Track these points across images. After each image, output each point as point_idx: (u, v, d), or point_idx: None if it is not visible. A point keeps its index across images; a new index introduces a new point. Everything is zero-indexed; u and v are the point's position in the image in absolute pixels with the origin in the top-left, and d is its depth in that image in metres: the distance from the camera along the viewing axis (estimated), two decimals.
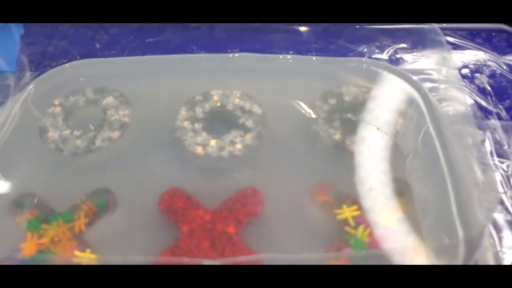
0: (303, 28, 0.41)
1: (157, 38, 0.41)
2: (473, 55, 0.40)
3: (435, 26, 0.39)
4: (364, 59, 0.35)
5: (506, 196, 0.31)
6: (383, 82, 0.34)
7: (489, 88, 0.38)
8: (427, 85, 0.34)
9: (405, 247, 0.26)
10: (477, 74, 0.39)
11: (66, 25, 0.42)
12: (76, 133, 0.32)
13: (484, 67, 0.39)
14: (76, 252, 0.26)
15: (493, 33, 0.42)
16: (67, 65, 0.36)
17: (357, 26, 0.41)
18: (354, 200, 0.28)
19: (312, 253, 0.25)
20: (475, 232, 0.26)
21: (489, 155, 0.33)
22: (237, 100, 0.33)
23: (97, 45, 0.41)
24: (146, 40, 0.41)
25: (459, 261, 0.24)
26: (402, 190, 0.29)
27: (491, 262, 0.26)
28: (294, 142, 0.32)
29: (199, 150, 0.31)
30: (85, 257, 0.26)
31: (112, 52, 0.40)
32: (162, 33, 0.42)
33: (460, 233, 0.26)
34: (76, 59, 0.38)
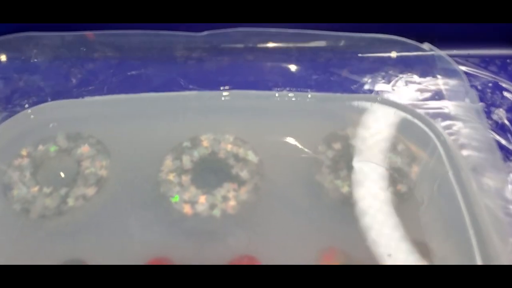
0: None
1: (139, 71, 0.37)
2: (488, 86, 0.37)
3: (442, 53, 0.35)
4: (373, 95, 0.32)
5: None
6: (394, 123, 0.31)
7: (508, 123, 0.34)
8: (444, 123, 0.31)
9: None
10: (494, 108, 0.35)
11: (39, 58, 0.38)
12: (46, 190, 0.28)
13: (502, 100, 0.36)
14: None
15: (508, 60, 0.39)
16: (36, 107, 0.32)
17: (359, 55, 0.37)
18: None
19: None
20: None
21: None
22: (229, 146, 0.30)
23: (73, 80, 0.37)
24: (128, 73, 0.37)
25: None
26: (421, 253, 0.25)
27: None
28: (296, 196, 0.28)
29: (187, 209, 0.27)
30: None
31: (90, 88, 0.36)
32: (145, 66, 0.38)
33: None
34: (49, 97, 0.34)
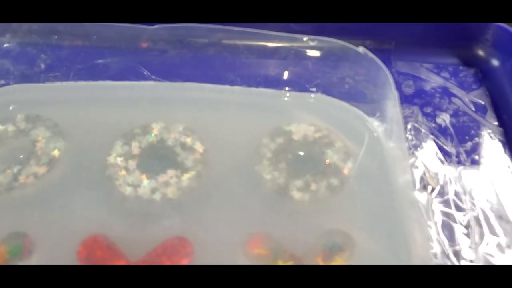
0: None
1: (106, 60, 0.39)
2: (437, 91, 0.38)
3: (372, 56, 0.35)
4: (313, 95, 0.33)
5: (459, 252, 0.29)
6: (334, 120, 0.32)
7: (451, 128, 0.36)
8: (376, 122, 0.32)
9: None
10: (440, 112, 0.37)
11: (12, 42, 0.40)
12: (0, 167, 0.29)
13: (448, 105, 0.37)
14: None
15: (461, 67, 0.40)
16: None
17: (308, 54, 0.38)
18: (291, 254, 0.26)
19: None
20: None
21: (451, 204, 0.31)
22: (178, 135, 0.31)
23: (42, 65, 0.39)
24: (95, 62, 0.39)
25: None
26: (343, 244, 0.27)
27: None
28: (234, 185, 0.29)
29: (130, 191, 0.28)
30: None
31: (57, 74, 0.38)
32: (112, 55, 0.39)
33: None
34: (15, 80, 0.36)
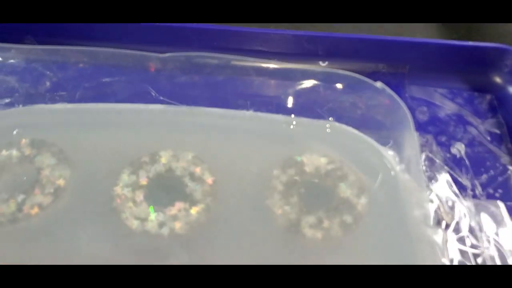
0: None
1: (113, 79, 0.38)
2: (452, 119, 0.37)
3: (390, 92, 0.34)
4: (328, 124, 0.32)
5: None
6: (347, 150, 0.31)
7: (465, 158, 0.35)
8: (391, 152, 0.31)
9: None
10: (454, 142, 0.36)
11: (17, 58, 0.39)
12: (4, 196, 0.29)
13: (463, 133, 0.36)
14: None
15: (476, 93, 0.39)
16: (3, 112, 0.33)
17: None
18: None
19: None
20: None
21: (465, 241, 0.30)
22: (187, 165, 0.30)
23: (47, 83, 0.38)
24: (102, 80, 0.38)
25: None
26: None
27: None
28: (244, 220, 0.28)
29: (137, 225, 0.28)
30: None
31: (63, 93, 0.37)
32: (120, 74, 0.38)
33: None
34: (22, 98, 0.35)
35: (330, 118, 0.32)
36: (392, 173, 0.30)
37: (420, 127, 0.36)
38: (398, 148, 0.32)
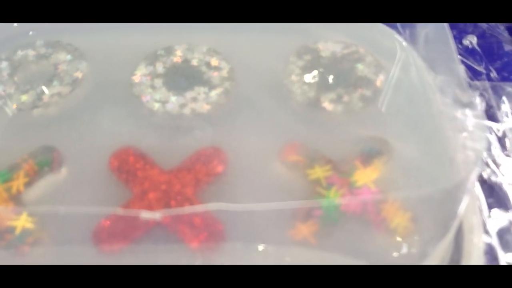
0: None
1: None
2: None
3: None
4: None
5: (496, 160, 0.28)
6: (364, 38, 0.31)
7: (478, 48, 0.35)
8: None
9: (383, 208, 0.23)
10: (465, 35, 0.36)
11: None
12: (23, 88, 0.29)
13: (474, 28, 0.36)
14: (11, 215, 0.23)
15: None
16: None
17: None
18: (328, 160, 0.25)
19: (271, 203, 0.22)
20: (461, 177, 0.23)
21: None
22: (202, 56, 0.30)
23: None
24: None
25: (441, 214, 0.22)
26: (381, 148, 0.26)
27: (476, 228, 0.24)
28: (264, 99, 0.29)
29: (158, 106, 0.28)
30: (20, 220, 0.23)
31: None
32: None
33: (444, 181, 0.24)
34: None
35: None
36: (408, 52, 0.30)
37: None
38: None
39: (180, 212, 0.21)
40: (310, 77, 0.29)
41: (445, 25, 0.28)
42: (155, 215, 0.20)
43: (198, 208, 0.21)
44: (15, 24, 0.32)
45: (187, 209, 0.21)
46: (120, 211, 0.21)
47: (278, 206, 0.21)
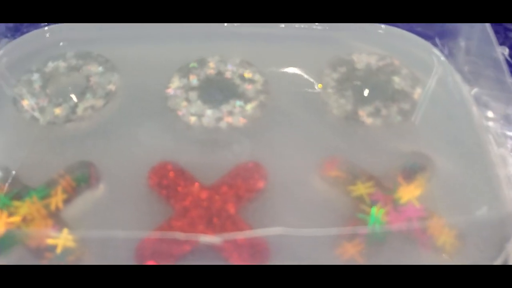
0: None
1: None
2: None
3: None
4: (377, 24, 0.32)
5: None
6: (399, 50, 0.31)
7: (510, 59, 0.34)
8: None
9: (429, 226, 0.23)
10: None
11: None
12: (55, 101, 0.28)
13: (504, 37, 0.36)
14: (51, 233, 0.23)
15: None
16: (46, 28, 0.32)
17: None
18: (369, 176, 0.25)
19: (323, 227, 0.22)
20: (505, 210, 0.23)
21: None
22: (236, 68, 0.30)
23: None
24: None
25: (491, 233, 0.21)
26: (423, 163, 0.26)
27: None
28: (301, 113, 0.28)
29: (194, 120, 0.27)
30: (61, 237, 0.22)
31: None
32: None
33: (489, 209, 0.23)
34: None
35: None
36: (445, 66, 0.30)
37: None
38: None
39: (237, 236, 0.21)
40: (346, 90, 0.29)
41: (491, 36, 0.28)
42: (215, 239, 0.20)
43: (258, 232, 0.21)
44: (47, 35, 0.32)
45: (247, 234, 0.21)
46: (179, 235, 0.21)
47: (338, 231, 0.21)
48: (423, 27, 0.31)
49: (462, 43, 0.30)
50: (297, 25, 0.33)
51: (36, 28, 0.34)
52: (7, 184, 0.25)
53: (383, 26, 0.32)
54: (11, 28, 0.35)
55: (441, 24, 0.31)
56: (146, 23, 0.30)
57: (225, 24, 0.32)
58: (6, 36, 0.34)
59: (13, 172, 0.25)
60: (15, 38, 0.34)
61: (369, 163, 0.26)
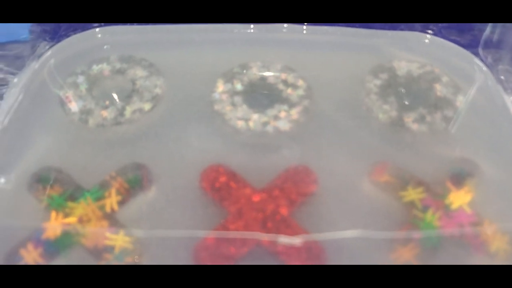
0: None
1: None
2: None
3: None
4: (417, 32, 0.32)
5: None
6: (439, 58, 0.31)
7: None
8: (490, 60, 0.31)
9: (481, 232, 0.23)
10: None
11: None
12: (103, 103, 0.28)
13: None
14: (109, 234, 0.23)
15: None
16: (89, 31, 0.32)
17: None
18: (419, 181, 0.25)
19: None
20: None
21: None
22: (278, 73, 0.30)
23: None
24: None
25: None
26: (471, 169, 0.26)
27: None
28: (345, 118, 0.28)
29: (241, 124, 0.28)
30: (118, 239, 0.23)
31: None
32: None
33: None
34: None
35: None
36: (485, 74, 0.30)
37: None
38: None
39: (318, 238, 0.21)
40: (389, 96, 0.29)
41: None
42: (295, 240, 0.20)
43: (333, 235, 0.21)
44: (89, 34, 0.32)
45: (321, 236, 0.21)
46: (259, 235, 0.21)
47: (409, 235, 0.21)
48: (465, 37, 0.32)
49: (505, 53, 0.30)
50: (337, 30, 0.33)
51: (80, 30, 0.34)
52: (59, 185, 0.25)
53: (428, 36, 0.33)
54: (48, 30, 0.36)
55: (484, 33, 0.31)
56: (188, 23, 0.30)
57: (267, 30, 0.33)
58: (44, 39, 0.34)
59: (66, 174, 0.25)
60: (53, 41, 0.34)
61: (416, 169, 0.26)
